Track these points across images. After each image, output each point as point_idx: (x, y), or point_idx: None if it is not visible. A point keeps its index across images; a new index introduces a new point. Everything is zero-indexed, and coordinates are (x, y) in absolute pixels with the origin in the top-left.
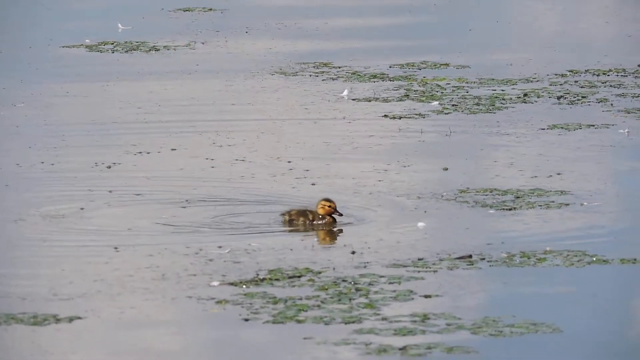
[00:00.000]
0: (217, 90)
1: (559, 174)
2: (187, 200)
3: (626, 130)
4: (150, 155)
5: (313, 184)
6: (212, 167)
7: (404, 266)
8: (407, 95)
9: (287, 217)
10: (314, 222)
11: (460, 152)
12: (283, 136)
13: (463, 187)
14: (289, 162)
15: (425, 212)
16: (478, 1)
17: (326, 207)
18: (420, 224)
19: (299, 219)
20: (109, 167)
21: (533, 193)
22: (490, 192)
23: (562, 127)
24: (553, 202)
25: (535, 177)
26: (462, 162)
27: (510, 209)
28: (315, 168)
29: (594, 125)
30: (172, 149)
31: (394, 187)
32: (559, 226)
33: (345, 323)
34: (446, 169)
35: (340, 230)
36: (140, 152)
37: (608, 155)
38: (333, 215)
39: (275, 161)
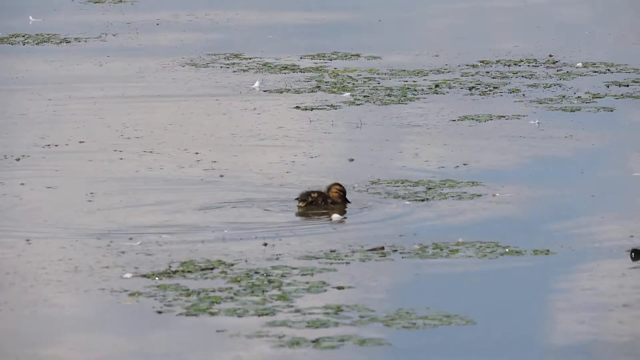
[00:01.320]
0: (127, 82)
1: (465, 164)
2: (91, 193)
3: (537, 121)
4: (59, 148)
5: (221, 176)
6: (121, 159)
7: (317, 258)
8: (319, 87)
9: (309, 199)
10: (332, 204)
11: (369, 143)
12: (191, 128)
13: (374, 179)
14: (197, 153)
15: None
16: None
17: (339, 192)
18: (335, 216)
19: (320, 200)
20: (18, 159)
21: (445, 184)
22: (402, 183)
23: (472, 119)
24: (465, 193)
25: (443, 167)
26: (370, 153)
27: (422, 200)
28: (223, 160)
29: (504, 116)
30: (81, 142)
31: (302, 179)
32: (472, 217)
33: (259, 315)
34: (352, 160)
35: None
36: (49, 145)
37: (519, 146)
38: (339, 200)
39: (183, 153)
